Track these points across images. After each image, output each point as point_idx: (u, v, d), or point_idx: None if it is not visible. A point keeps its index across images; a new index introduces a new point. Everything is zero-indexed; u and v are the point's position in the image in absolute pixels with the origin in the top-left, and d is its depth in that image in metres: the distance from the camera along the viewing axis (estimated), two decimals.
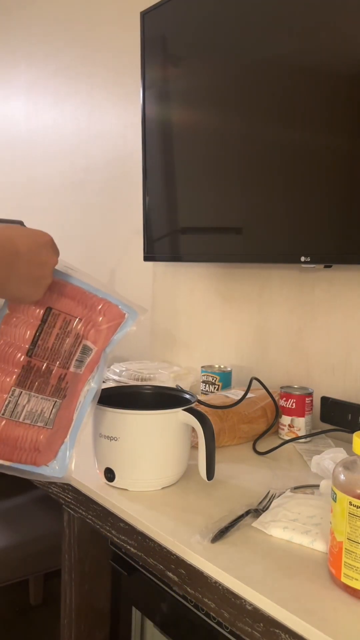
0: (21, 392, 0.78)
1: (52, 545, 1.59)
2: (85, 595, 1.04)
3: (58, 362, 0.80)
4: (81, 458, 1.03)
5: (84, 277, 0.81)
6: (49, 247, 0.73)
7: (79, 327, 0.81)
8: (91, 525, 0.93)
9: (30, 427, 0.79)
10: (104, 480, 0.90)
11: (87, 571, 1.04)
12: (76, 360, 0.81)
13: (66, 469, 0.80)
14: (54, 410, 0.80)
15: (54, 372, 0.80)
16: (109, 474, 0.89)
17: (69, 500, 0.98)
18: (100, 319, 0.81)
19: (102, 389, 0.96)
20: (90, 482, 0.92)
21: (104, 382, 1.57)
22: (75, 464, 0.99)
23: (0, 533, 1.58)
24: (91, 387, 0.81)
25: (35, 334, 0.79)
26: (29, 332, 0.79)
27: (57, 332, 0.80)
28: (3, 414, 0.78)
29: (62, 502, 1.00)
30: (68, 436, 0.81)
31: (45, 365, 0.79)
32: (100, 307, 0.81)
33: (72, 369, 0.81)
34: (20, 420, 0.79)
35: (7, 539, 1.56)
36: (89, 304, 0.81)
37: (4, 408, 0.78)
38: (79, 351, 0.81)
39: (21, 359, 0.78)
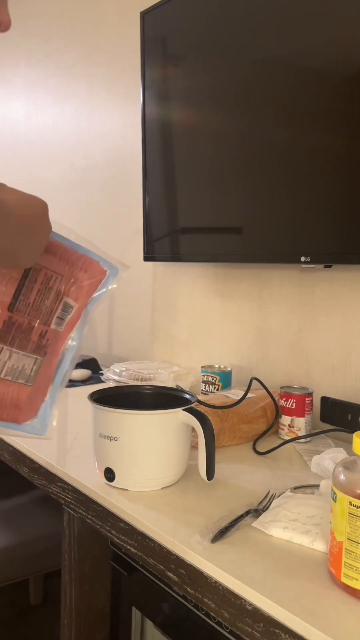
0: (2, 347, 0.77)
1: (52, 545, 1.59)
2: (85, 595, 1.04)
3: (39, 319, 0.79)
4: (81, 458, 1.03)
5: (63, 231, 0.80)
6: (46, 216, 0.73)
7: (59, 283, 0.79)
8: (91, 525, 0.93)
9: (12, 384, 0.78)
10: (104, 480, 0.90)
11: (87, 571, 1.04)
12: (57, 317, 0.80)
13: (47, 427, 0.79)
14: (34, 367, 0.79)
15: (35, 328, 0.78)
16: (109, 474, 0.89)
17: (69, 500, 0.98)
18: (81, 275, 0.80)
19: (102, 389, 0.97)
20: (90, 482, 0.92)
21: (104, 382, 1.58)
22: (75, 464, 1.00)
23: (1, 533, 1.58)
24: (71, 345, 0.80)
25: (17, 288, 0.78)
26: (10, 287, 0.77)
27: (38, 287, 0.78)
28: None
29: (62, 502, 1.00)
30: (48, 394, 0.79)
31: (26, 321, 0.78)
32: (81, 263, 0.80)
33: (52, 326, 0.80)
34: (2, 376, 0.77)
35: (7, 539, 1.56)
36: (70, 260, 0.80)
37: None
38: (59, 308, 0.80)
39: (2, 314, 0.77)
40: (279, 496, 0.86)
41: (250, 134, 1.26)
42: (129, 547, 0.84)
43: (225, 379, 1.37)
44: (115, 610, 1.06)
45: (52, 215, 2.29)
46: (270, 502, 0.85)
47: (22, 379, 0.78)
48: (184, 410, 0.87)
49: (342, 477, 0.64)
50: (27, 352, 0.78)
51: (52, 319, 0.79)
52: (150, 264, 1.81)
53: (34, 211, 0.70)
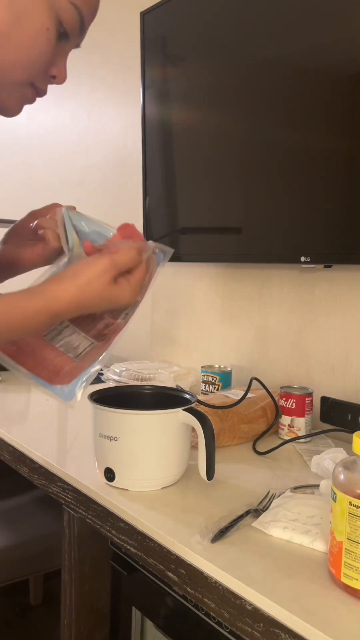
0: (68, 325, 0.81)
1: (52, 545, 1.59)
2: (85, 595, 1.04)
3: (112, 312, 0.82)
4: (81, 458, 1.03)
5: None
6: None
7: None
8: (91, 525, 0.93)
9: (61, 355, 0.81)
10: (104, 480, 0.90)
11: (87, 571, 1.03)
12: (125, 312, 0.83)
13: (73, 397, 0.82)
14: (87, 349, 0.82)
15: (104, 320, 0.82)
16: (109, 474, 0.89)
17: (69, 500, 0.98)
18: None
19: (102, 389, 0.97)
20: (90, 482, 0.92)
21: (104, 382, 1.57)
22: (75, 464, 1.00)
23: (0, 533, 1.58)
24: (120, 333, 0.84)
25: None
26: None
27: None
28: (45, 335, 0.81)
29: (62, 502, 1.00)
30: (84, 372, 0.83)
31: (101, 312, 0.81)
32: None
33: (119, 320, 0.83)
34: (56, 346, 0.81)
35: (7, 539, 1.56)
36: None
37: (48, 332, 0.81)
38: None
39: None
40: (279, 496, 0.86)
41: (250, 134, 1.26)
42: (129, 547, 0.84)
43: (225, 379, 1.37)
44: (115, 610, 1.06)
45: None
46: (270, 502, 0.85)
47: (72, 354, 0.82)
48: (184, 410, 0.87)
49: (342, 477, 0.64)
50: (87, 336, 0.82)
51: (122, 314, 0.83)
52: None
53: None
